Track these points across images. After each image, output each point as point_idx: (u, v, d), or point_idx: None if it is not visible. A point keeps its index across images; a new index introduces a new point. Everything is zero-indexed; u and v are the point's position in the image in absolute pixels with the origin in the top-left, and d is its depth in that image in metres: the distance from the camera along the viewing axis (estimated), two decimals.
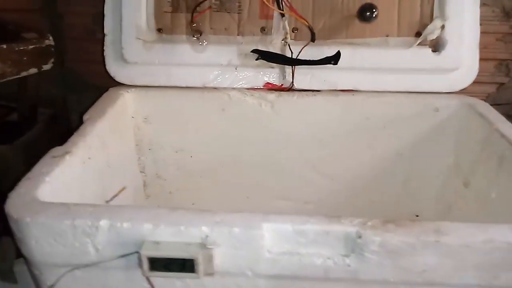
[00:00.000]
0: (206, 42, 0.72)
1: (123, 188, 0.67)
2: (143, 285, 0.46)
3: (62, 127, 0.97)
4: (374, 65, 0.75)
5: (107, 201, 0.66)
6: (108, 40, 0.76)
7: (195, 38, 0.71)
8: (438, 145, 0.79)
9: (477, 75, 0.91)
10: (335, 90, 0.77)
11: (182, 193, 0.86)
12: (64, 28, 0.95)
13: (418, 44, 0.75)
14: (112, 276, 0.47)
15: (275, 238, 0.44)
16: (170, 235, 0.43)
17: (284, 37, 0.72)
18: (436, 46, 0.75)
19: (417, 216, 0.84)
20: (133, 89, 0.77)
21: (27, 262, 0.48)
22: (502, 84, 0.96)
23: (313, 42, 0.72)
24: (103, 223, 0.43)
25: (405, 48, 0.75)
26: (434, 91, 0.77)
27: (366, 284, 0.47)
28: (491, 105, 0.81)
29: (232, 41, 0.75)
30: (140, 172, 0.83)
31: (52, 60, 0.90)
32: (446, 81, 0.76)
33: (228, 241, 0.44)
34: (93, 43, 0.85)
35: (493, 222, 0.61)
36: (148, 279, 0.45)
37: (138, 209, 0.45)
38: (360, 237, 0.43)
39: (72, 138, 0.60)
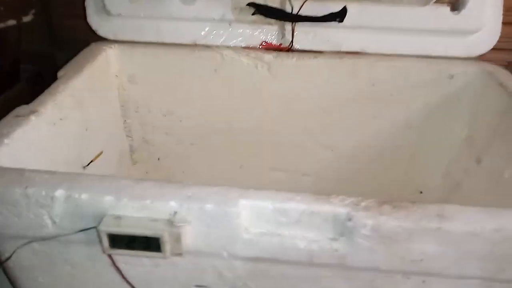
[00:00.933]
0: None
1: (101, 153, 0.62)
2: (106, 261, 0.42)
3: (47, 86, 0.92)
4: (384, 24, 0.67)
5: (84, 167, 0.61)
6: None
7: None
8: (451, 117, 0.72)
9: (499, 41, 0.82)
10: (339, 52, 0.70)
11: (172, 160, 0.81)
12: None
13: (435, 2, 0.66)
14: (73, 251, 0.43)
15: (253, 217, 0.39)
16: (134, 210, 0.38)
17: None
18: (456, 4, 0.66)
19: (421, 192, 0.78)
20: (116, 45, 0.70)
21: None
22: None
23: None
24: (59, 193, 0.38)
25: (420, 5, 0.66)
26: (450, 55, 0.69)
27: (355, 271, 0.41)
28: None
29: None
30: (127, 136, 0.78)
31: (33, 11, 0.83)
32: (464, 45, 0.68)
33: (200, 219, 0.38)
34: None
35: (504, 205, 0.56)
36: (110, 256, 0.41)
37: (99, 179, 0.40)
38: (350, 219, 0.38)
39: (41, 97, 0.54)
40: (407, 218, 0.37)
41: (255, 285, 0.44)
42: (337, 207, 0.38)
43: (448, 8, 0.66)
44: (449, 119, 0.72)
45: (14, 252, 0.42)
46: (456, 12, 0.66)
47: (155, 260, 0.42)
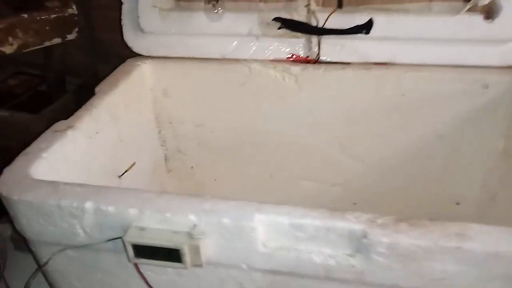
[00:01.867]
0: (221, 10, 0.66)
1: (133, 164, 0.65)
2: (132, 269, 0.44)
3: (91, 97, 0.97)
4: (413, 34, 0.66)
5: (119, 176, 0.64)
6: (125, 9, 0.73)
7: (210, 5, 0.65)
8: (486, 128, 0.69)
9: None
10: (367, 63, 0.69)
11: (204, 168, 0.83)
12: None
13: (467, 10, 0.64)
14: (103, 258, 0.46)
15: (270, 231, 0.40)
16: (156, 222, 0.40)
17: (307, 3, 0.65)
18: (489, 12, 0.64)
19: (458, 204, 0.76)
20: (150, 60, 0.73)
21: (24, 239, 0.48)
22: None
23: (340, 8, 0.64)
24: (88, 205, 0.41)
25: (451, 15, 0.64)
26: (484, 65, 0.66)
27: (373, 286, 0.41)
28: None
29: (253, 8, 0.69)
30: (161, 146, 0.81)
31: (76, 29, 0.89)
32: (498, 54, 0.65)
33: (218, 232, 0.40)
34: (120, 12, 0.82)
35: None
36: (136, 266, 0.43)
37: (125, 192, 0.42)
38: (365, 236, 0.38)
39: (78, 112, 0.58)
40: (423, 237, 0.37)
41: None
42: (353, 224, 0.39)
43: (481, 17, 0.64)
44: (484, 130, 0.69)
45: (50, 258, 0.46)
46: (489, 20, 0.64)
47: (178, 270, 0.44)
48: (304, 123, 0.75)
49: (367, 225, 0.38)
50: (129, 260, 0.41)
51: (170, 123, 0.79)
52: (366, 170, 0.78)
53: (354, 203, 0.80)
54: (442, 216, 0.77)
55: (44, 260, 0.47)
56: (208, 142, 0.80)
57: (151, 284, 0.46)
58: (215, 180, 0.85)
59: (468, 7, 0.63)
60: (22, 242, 0.68)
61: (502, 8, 0.62)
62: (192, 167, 0.84)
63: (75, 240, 0.44)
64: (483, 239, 0.37)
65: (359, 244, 0.39)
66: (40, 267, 0.48)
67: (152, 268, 0.45)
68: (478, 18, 0.63)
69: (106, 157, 0.62)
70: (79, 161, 0.55)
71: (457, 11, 0.64)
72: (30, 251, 0.49)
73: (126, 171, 0.63)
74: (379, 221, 0.38)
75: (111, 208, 0.41)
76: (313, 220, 0.39)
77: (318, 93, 0.72)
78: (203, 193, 0.84)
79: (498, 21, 0.63)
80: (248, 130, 0.78)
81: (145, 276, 0.45)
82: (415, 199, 0.78)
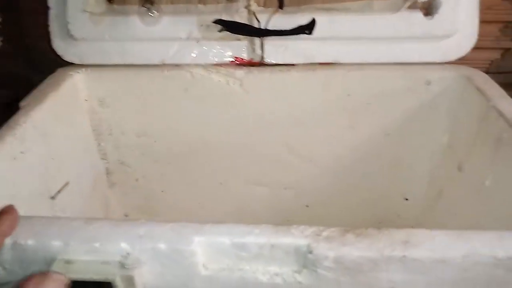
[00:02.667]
0: (157, 13, 0.62)
1: (66, 183, 0.60)
2: None
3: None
4: (355, 33, 0.65)
5: (51, 197, 0.59)
6: (52, 14, 0.67)
7: (145, 8, 0.61)
8: (431, 124, 0.70)
9: (480, 40, 0.79)
10: (312, 63, 0.68)
11: (150, 180, 0.79)
12: (18, 2, 0.86)
13: (407, 8, 0.64)
14: None
15: (211, 253, 0.37)
16: (84, 253, 0.36)
17: (247, 3, 0.62)
18: (429, 9, 0.64)
19: (407, 199, 0.77)
20: (83, 69, 0.68)
21: None
22: (507, 49, 0.85)
23: (281, 8, 0.62)
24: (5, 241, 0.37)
25: (392, 12, 0.64)
26: (426, 61, 0.67)
27: None
28: (495, 73, 0.71)
29: (192, 11, 0.66)
30: (102, 159, 0.76)
31: (1, 38, 0.82)
32: (439, 50, 0.66)
33: (154, 259, 0.37)
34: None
35: (486, 213, 0.55)
36: None
37: (47, 222, 0.38)
38: (311, 252, 0.36)
39: (0, 131, 0.52)
40: (370, 247, 0.36)
41: None
42: (298, 239, 0.36)
43: (421, 14, 0.64)
44: (428, 126, 0.70)
45: None
46: (429, 17, 0.64)
47: None
48: (252, 127, 0.73)
49: (312, 239, 0.36)
50: None
51: (110, 135, 0.74)
52: (316, 171, 0.77)
53: (307, 206, 0.79)
54: (392, 212, 0.78)
55: None
56: (152, 152, 0.76)
57: None
58: (162, 191, 0.81)
59: (408, 4, 0.63)
60: None
61: (441, 4, 0.62)
62: (137, 179, 0.79)
63: None
64: (428, 245, 0.36)
65: (305, 260, 0.37)
66: None
67: None
68: (418, 15, 0.64)
69: (35, 178, 0.56)
70: (3, 184, 0.50)
71: (398, 8, 0.64)
72: None
73: (58, 192, 0.58)
74: (325, 233, 0.37)
75: (30, 242, 0.36)
76: (256, 238, 0.37)
77: (264, 96, 0.70)
78: (151, 205, 0.81)
79: (438, 17, 0.63)
80: (194, 137, 0.74)
81: None
82: (366, 197, 0.78)
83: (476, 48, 0.69)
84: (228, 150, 0.75)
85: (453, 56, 0.67)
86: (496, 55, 0.85)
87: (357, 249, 0.36)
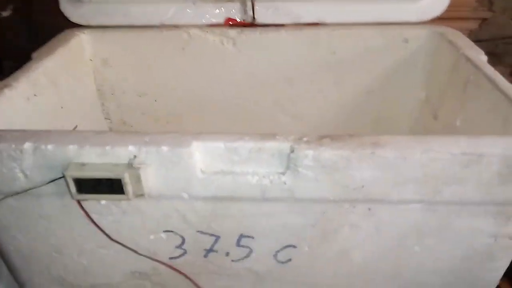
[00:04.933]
0: None
1: (75, 127, 0.65)
2: (77, 211, 0.46)
3: None
4: None
5: None
6: None
7: None
8: (409, 79, 0.76)
9: (458, 10, 0.86)
10: (299, 23, 0.74)
11: None
12: None
13: None
14: (46, 203, 0.46)
15: (206, 157, 0.43)
16: (96, 156, 0.42)
17: None
18: None
19: None
20: (89, 30, 0.74)
21: None
22: (485, 19, 0.91)
23: None
24: (27, 146, 0.42)
25: None
26: (404, 21, 0.73)
27: (305, 204, 0.45)
28: (473, 41, 0.77)
29: None
30: (105, 118, 0.81)
31: (12, 6, 0.87)
32: (416, 10, 0.72)
33: (158, 161, 0.42)
34: None
35: None
36: (79, 202, 0.44)
37: (64, 132, 0.43)
38: (293, 151, 0.41)
39: (15, 74, 0.58)
40: (343, 147, 0.41)
41: (218, 225, 0.47)
42: (282, 143, 0.42)
43: None
44: (407, 82, 0.76)
45: None
46: None
47: (122, 207, 0.46)
48: (245, 85, 0.78)
49: (294, 142, 0.42)
50: (72, 197, 0.43)
51: (112, 94, 0.80)
52: (305, 128, 0.82)
53: None
54: None
55: None
56: (152, 111, 0.82)
57: (97, 224, 0.47)
58: None
59: None
60: None
61: None
62: None
63: (15, 186, 0.44)
64: (393, 145, 0.41)
65: (288, 161, 0.42)
66: None
67: (96, 209, 0.46)
68: None
69: (45, 122, 0.61)
70: (17, 123, 0.55)
71: None
72: None
73: None
74: (305, 138, 0.42)
75: (50, 147, 0.42)
76: (246, 143, 0.42)
77: (256, 55, 0.76)
78: None
79: None
80: (190, 96, 0.80)
81: (89, 215, 0.46)
82: None
83: (454, 18, 0.75)
84: (223, 109, 0.81)
85: (429, 16, 0.73)
86: (474, 25, 0.92)
87: (333, 148, 0.41)
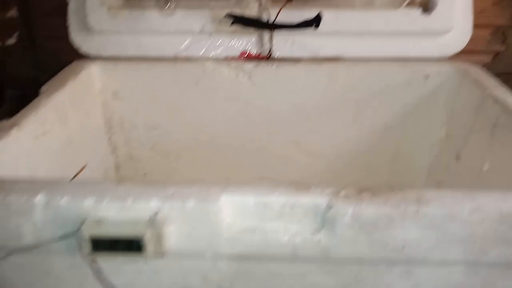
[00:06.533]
0: (173, 6, 0.65)
1: (84, 166, 0.61)
2: (88, 271, 0.42)
3: None
4: (359, 28, 0.69)
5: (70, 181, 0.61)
6: (71, 9, 0.70)
7: (162, 1, 0.65)
8: (429, 116, 0.73)
9: (472, 44, 0.84)
10: (318, 58, 0.71)
11: (158, 174, 0.81)
12: (33, 2, 0.89)
13: (406, 4, 0.68)
14: (56, 261, 0.42)
15: (235, 212, 0.39)
16: (115, 211, 0.38)
17: None
18: (426, 6, 0.69)
19: None
20: (99, 61, 0.71)
21: None
22: (498, 53, 0.90)
23: (291, 1, 0.66)
24: (39, 199, 0.38)
25: (393, 8, 0.69)
26: (424, 56, 0.71)
27: (339, 265, 0.42)
28: None
29: (204, 5, 0.69)
30: (112, 153, 0.78)
31: (17, 34, 0.85)
32: (437, 45, 0.70)
33: (182, 217, 0.39)
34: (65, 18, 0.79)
35: None
36: (90, 263, 0.40)
37: (80, 183, 0.40)
38: (330, 208, 0.38)
39: (23, 111, 0.54)
40: (386, 203, 0.38)
41: (241, 285, 0.44)
42: (317, 197, 0.39)
43: (419, 10, 0.69)
44: (427, 119, 0.73)
45: None
46: (427, 13, 0.68)
47: (138, 266, 0.42)
48: (259, 121, 0.76)
49: (331, 197, 0.39)
50: (84, 255, 0.39)
51: (121, 127, 0.77)
52: (320, 166, 0.79)
53: None
54: None
55: None
56: (162, 146, 0.79)
57: (110, 285, 0.43)
58: None
59: (407, 1, 0.68)
60: None
61: (437, 1, 0.67)
62: (145, 174, 0.81)
63: (22, 242, 0.40)
64: (439, 202, 0.38)
65: (324, 218, 0.39)
66: None
67: (109, 267, 0.42)
68: (417, 12, 0.68)
69: (53, 160, 0.58)
70: (24, 162, 0.52)
71: (398, 5, 0.68)
72: None
73: (76, 175, 0.60)
74: (343, 192, 0.39)
75: (64, 200, 0.38)
76: (278, 197, 0.39)
77: (271, 89, 0.73)
78: None
79: (435, 14, 0.67)
80: (203, 131, 0.77)
81: (103, 276, 0.42)
82: None
83: (469, 51, 0.74)
84: (236, 144, 0.78)
85: (450, 52, 0.71)
86: (487, 58, 0.90)
87: (374, 204, 0.38)
